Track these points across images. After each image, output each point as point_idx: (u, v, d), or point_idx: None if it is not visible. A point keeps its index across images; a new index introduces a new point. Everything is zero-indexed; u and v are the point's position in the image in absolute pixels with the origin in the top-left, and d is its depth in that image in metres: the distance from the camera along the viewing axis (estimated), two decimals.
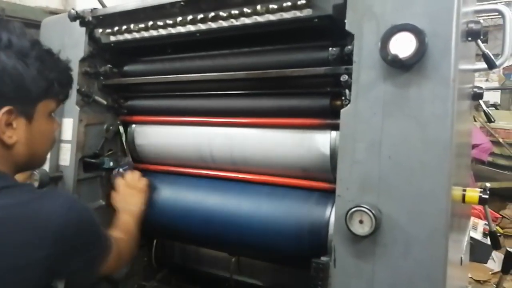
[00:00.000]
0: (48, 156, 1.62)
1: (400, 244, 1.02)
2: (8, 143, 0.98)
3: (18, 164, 1.05)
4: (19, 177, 1.56)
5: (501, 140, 5.69)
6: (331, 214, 1.26)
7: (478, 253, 2.65)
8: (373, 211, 1.00)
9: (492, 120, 1.60)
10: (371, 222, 1.00)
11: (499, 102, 8.28)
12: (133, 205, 1.49)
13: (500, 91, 8.50)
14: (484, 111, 1.60)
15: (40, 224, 0.93)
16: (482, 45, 1.21)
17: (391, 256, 1.03)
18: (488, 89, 8.18)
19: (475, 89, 1.58)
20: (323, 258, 1.12)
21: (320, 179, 1.37)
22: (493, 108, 7.35)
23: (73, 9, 1.62)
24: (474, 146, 4.53)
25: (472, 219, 2.86)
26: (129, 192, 1.53)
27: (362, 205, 1.02)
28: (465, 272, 1.95)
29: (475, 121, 5.17)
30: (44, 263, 0.92)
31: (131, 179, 1.57)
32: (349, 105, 1.11)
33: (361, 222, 1.02)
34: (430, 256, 1.00)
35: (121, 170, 1.65)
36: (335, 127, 1.25)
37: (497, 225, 3.71)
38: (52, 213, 0.95)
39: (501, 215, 4.79)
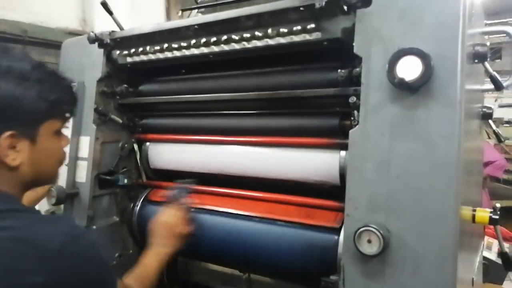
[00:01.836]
0: (65, 172, 1.70)
1: (409, 263, 1.03)
2: (12, 165, 0.98)
3: (25, 184, 1.05)
4: (38, 192, 1.62)
5: None
6: (340, 233, 1.27)
7: (493, 273, 2.60)
8: (381, 231, 1.02)
9: (502, 140, 1.60)
10: (379, 241, 1.02)
11: None
12: (165, 246, 1.43)
13: None
14: (494, 131, 1.60)
15: (34, 250, 0.90)
16: (489, 67, 1.23)
17: (400, 275, 1.04)
18: (503, 106, 8.10)
19: (484, 109, 1.58)
20: (332, 277, 1.13)
21: (329, 198, 1.39)
22: (508, 125, 7.26)
23: (92, 31, 1.69)
24: (488, 163, 4.47)
25: (486, 238, 2.81)
26: (166, 234, 1.45)
27: (370, 225, 1.04)
28: None
29: (489, 138, 5.12)
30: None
31: (172, 218, 1.47)
32: (357, 125, 1.14)
33: (369, 241, 1.03)
34: (439, 276, 1.00)
35: (178, 193, 1.53)
36: (344, 147, 1.27)
37: None
38: (48, 240, 0.91)
39: None
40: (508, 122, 7.71)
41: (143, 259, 1.37)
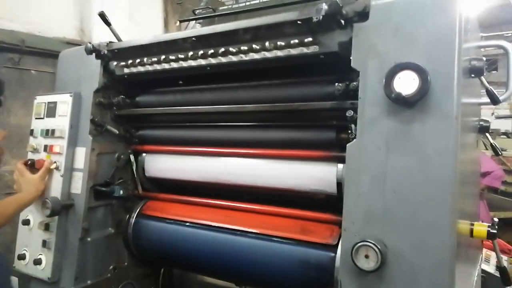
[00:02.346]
0: (60, 183, 1.68)
1: (405, 277, 1.02)
2: None
3: None
4: (20, 198, 1.61)
5: None
6: (337, 247, 1.26)
7: (491, 287, 2.58)
8: (378, 246, 1.01)
9: (500, 153, 1.61)
10: (376, 257, 1.01)
11: (510, 130, 8.20)
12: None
13: (511, 119, 8.44)
14: (491, 144, 1.60)
15: None
16: (485, 81, 1.24)
17: None
18: (499, 118, 8.14)
19: (481, 122, 1.59)
20: None
21: (326, 210, 1.38)
22: (505, 136, 7.29)
23: (89, 42, 1.69)
24: (486, 174, 4.47)
25: (485, 251, 2.80)
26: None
27: (368, 240, 1.03)
28: None
29: (486, 149, 5.13)
30: None
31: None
32: (354, 139, 1.14)
33: (366, 257, 1.03)
34: None
35: None
36: (341, 160, 1.27)
37: (511, 257, 3.61)
38: None
39: None
40: (504, 133, 7.75)
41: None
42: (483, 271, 2.46)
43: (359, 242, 1.04)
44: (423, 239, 1.02)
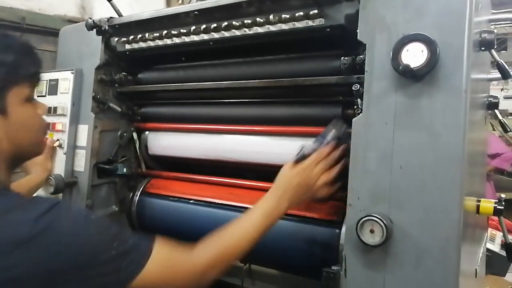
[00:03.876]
0: (64, 161, 1.68)
1: (411, 254, 1.01)
2: None
3: (8, 161, 0.96)
4: (32, 180, 1.60)
5: None
6: (342, 223, 1.25)
7: (496, 265, 2.59)
8: (384, 221, 1.00)
9: (508, 129, 1.58)
10: (382, 231, 1.00)
11: None
12: (281, 201, 1.11)
13: None
14: (500, 120, 1.58)
15: (13, 232, 0.81)
16: (496, 55, 1.20)
17: (402, 266, 1.02)
18: (508, 98, 8.03)
19: (490, 99, 1.56)
20: (334, 268, 1.11)
21: None
22: None
23: (90, 18, 1.66)
24: (496, 156, 4.44)
25: (490, 230, 2.80)
26: (298, 187, 1.12)
27: (373, 215, 1.02)
28: (481, 285, 1.91)
29: (493, 130, 5.09)
30: (28, 274, 0.80)
31: (316, 170, 1.12)
32: (360, 114, 1.11)
33: (372, 231, 1.01)
34: (442, 267, 0.98)
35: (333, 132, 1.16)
36: None
37: None
38: (27, 219, 0.82)
39: None
40: None
41: (245, 214, 1.09)
42: (488, 250, 2.46)
43: (365, 217, 1.02)
44: (429, 215, 1.00)
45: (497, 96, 1.53)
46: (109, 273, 0.87)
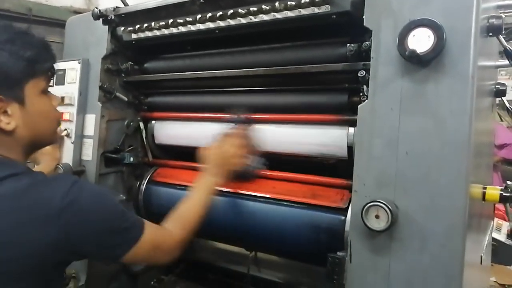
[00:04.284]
0: (71, 150, 1.70)
1: (416, 239, 1.02)
2: (7, 130, 1.00)
3: (26, 147, 1.06)
4: (41, 169, 1.62)
5: None
6: (348, 210, 1.26)
7: (502, 255, 2.59)
8: (389, 206, 1.00)
9: None
10: (387, 217, 1.00)
11: None
12: (216, 175, 1.31)
13: None
14: (507, 107, 1.57)
15: (43, 206, 0.94)
16: (503, 40, 1.19)
17: (407, 251, 1.03)
18: None
19: (497, 86, 1.55)
20: (339, 253, 1.12)
21: (336, 176, 1.37)
22: None
23: (96, 8, 1.67)
24: (503, 146, 4.41)
25: (496, 220, 2.79)
26: (221, 161, 1.32)
27: (379, 200, 1.02)
28: (486, 273, 1.92)
29: (501, 120, 5.05)
30: (47, 247, 0.93)
31: (234, 146, 1.33)
32: (366, 100, 1.11)
33: (377, 217, 1.02)
34: (447, 253, 0.99)
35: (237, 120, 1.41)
36: (353, 124, 1.25)
37: None
38: (51, 198, 0.95)
39: None
40: None
41: (191, 192, 1.28)
42: (494, 239, 2.46)
43: (370, 203, 1.03)
44: (435, 201, 1.01)
45: (504, 84, 1.53)
46: (115, 245, 1.03)
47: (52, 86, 1.72)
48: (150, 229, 1.09)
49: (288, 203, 1.42)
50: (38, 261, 0.94)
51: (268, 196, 1.47)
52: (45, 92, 1.08)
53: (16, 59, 0.99)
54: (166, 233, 1.16)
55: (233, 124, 1.38)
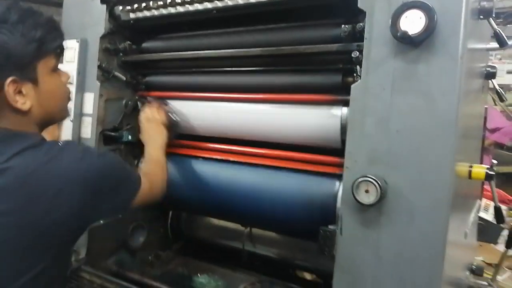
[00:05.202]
0: (71, 129, 1.72)
1: (404, 213, 1.07)
2: (24, 110, 1.04)
3: (39, 124, 1.12)
4: None
5: None
6: (339, 187, 1.30)
7: (488, 233, 2.69)
8: (378, 182, 1.05)
9: (504, 99, 1.61)
10: (376, 191, 1.05)
11: None
12: (156, 137, 1.57)
13: None
14: (496, 90, 1.61)
15: (62, 175, 1.02)
16: (493, 23, 1.22)
17: (396, 224, 1.08)
18: (511, 72, 7.95)
19: (488, 68, 1.58)
20: (331, 227, 1.17)
21: (330, 154, 1.41)
22: None
23: None
24: (496, 130, 4.46)
25: (485, 200, 2.87)
26: (150, 126, 1.61)
27: (368, 176, 1.07)
28: (472, 250, 1.99)
29: (495, 104, 5.09)
30: (73, 211, 1.02)
31: (150, 113, 1.64)
32: (359, 80, 1.15)
33: (367, 191, 1.07)
34: (433, 225, 1.04)
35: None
36: (347, 103, 1.28)
37: (510, 209, 3.70)
38: (70, 163, 1.04)
39: None
40: None
41: (146, 154, 1.53)
42: (482, 219, 2.54)
43: (360, 177, 1.08)
44: (422, 176, 1.06)
45: (495, 66, 1.56)
46: (125, 195, 1.18)
47: (62, 62, 1.77)
48: (143, 177, 1.26)
49: (283, 172, 1.47)
50: (62, 231, 1.03)
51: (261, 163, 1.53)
52: (55, 69, 1.12)
53: (28, 40, 1.01)
54: (151, 173, 1.38)
55: (149, 100, 1.74)
